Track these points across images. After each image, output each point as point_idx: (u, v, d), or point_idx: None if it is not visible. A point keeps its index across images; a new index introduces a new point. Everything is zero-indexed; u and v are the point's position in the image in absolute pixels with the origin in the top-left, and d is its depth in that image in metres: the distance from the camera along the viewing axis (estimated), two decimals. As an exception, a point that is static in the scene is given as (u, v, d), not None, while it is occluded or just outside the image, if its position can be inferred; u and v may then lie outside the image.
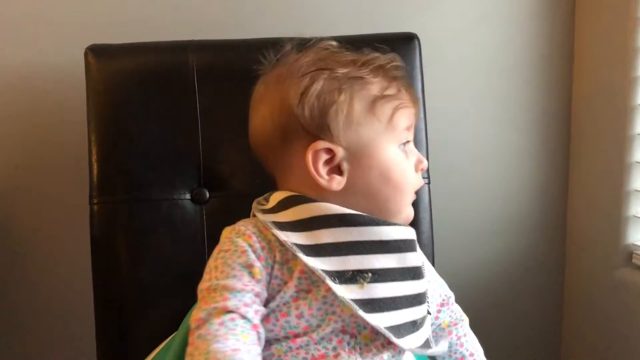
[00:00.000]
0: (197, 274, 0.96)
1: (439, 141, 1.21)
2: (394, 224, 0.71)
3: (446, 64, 1.24)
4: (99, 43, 1.00)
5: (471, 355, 0.84)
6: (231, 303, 0.64)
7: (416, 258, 0.72)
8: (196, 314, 0.65)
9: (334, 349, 0.68)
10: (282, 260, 0.68)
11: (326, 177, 0.70)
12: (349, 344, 0.68)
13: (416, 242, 0.73)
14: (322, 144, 0.70)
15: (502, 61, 1.27)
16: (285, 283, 0.68)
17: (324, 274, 0.67)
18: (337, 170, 0.71)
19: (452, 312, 0.83)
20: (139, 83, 0.98)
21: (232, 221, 0.98)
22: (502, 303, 1.34)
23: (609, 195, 1.20)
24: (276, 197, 0.73)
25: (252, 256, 0.67)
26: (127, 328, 0.96)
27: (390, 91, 0.72)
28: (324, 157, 0.70)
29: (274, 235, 0.68)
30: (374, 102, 0.71)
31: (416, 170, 0.74)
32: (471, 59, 1.26)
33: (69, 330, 1.21)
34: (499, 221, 1.31)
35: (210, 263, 0.70)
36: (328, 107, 0.70)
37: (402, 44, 1.05)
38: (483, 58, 1.26)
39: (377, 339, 0.69)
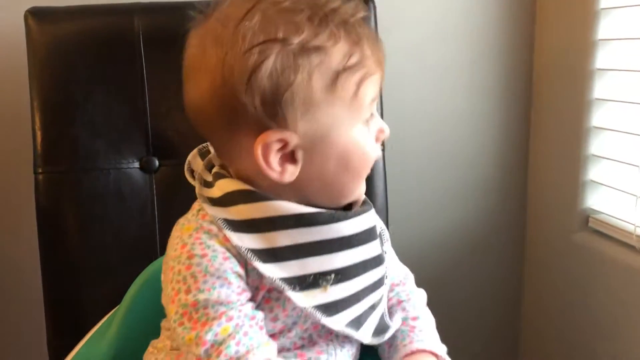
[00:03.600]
0: (146, 244, 0.96)
1: (395, 106, 1.19)
2: (354, 216, 0.64)
3: (403, 27, 1.22)
4: (39, 5, 0.95)
5: (414, 319, 0.74)
6: (234, 314, 0.58)
7: (377, 245, 0.66)
8: (194, 335, 0.58)
9: (310, 337, 0.65)
10: (251, 266, 0.61)
11: (278, 168, 0.60)
12: (323, 327, 0.65)
13: (376, 226, 0.67)
14: (273, 135, 0.59)
15: (462, 24, 1.25)
16: (257, 288, 0.62)
17: (282, 283, 0.60)
18: (291, 157, 0.61)
19: (405, 291, 0.77)
20: (83, 47, 0.95)
21: (182, 190, 0.98)
22: (462, 269, 1.35)
23: (568, 160, 1.20)
24: (223, 186, 0.63)
25: (235, 262, 0.60)
26: (75, 299, 0.95)
27: (354, 59, 0.60)
28: (276, 146, 0.60)
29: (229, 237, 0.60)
30: (335, 78, 0.59)
31: (376, 140, 0.65)
32: (430, 22, 1.24)
33: (16, 303, 1.19)
34: (458, 186, 1.31)
35: (180, 268, 0.60)
36: (282, 91, 0.58)
37: (357, 7, 1.02)
38: (443, 21, 1.24)
39: None
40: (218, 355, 0.56)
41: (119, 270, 0.94)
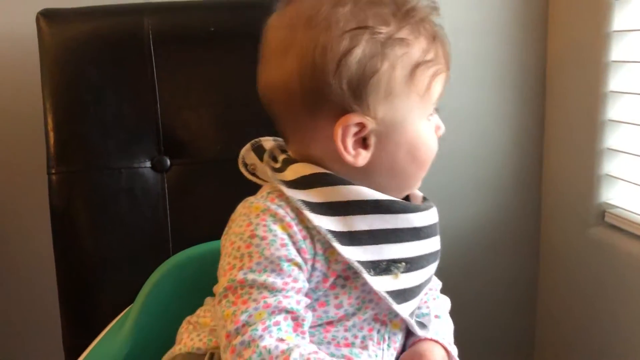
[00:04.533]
0: (158, 243, 0.96)
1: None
2: (424, 209, 0.67)
3: None
4: (50, 7, 0.96)
5: (435, 317, 0.76)
6: (273, 303, 0.59)
7: (438, 241, 0.69)
8: (232, 312, 0.59)
9: (363, 338, 0.66)
10: (322, 251, 0.63)
11: (353, 152, 0.63)
12: (379, 332, 0.67)
13: (438, 223, 0.69)
14: (354, 118, 0.61)
15: (473, 16, 1.24)
16: (325, 275, 0.63)
17: (360, 266, 0.62)
18: (363, 143, 0.63)
19: (433, 295, 0.78)
20: (94, 48, 0.95)
21: (193, 189, 0.98)
22: (475, 265, 1.33)
23: (583, 154, 1.19)
24: (298, 169, 0.65)
25: (293, 250, 0.61)
26: (90, 298, 0.95)
27: (431, 55, 0.64)
28: (354, 129, 0.62)
29: (308, 218, 0.62)
30: (414, 70, 0.63)
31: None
32: (443, 15, 1.23)
33: (31, 302, 1.20)
34: (471, 181, 1.30)
35: (240, 245, 0.62)
36: (369, 77, 0.61)
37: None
38: (455, 15, 1.23)
39: (405, 326, 0.68)
40: (244, 334, 0.57)
41: (132, 268, 0.94)
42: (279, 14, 0.65)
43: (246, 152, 0.72)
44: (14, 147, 1.14)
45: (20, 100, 1.10)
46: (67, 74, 0.95)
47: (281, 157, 0.68)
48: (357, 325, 0.66)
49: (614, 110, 1.13)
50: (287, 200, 0.63)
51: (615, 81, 1.12)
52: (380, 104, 0.62)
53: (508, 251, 1.34)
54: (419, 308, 0.73)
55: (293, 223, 0.62)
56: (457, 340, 0.74)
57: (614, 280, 1.14)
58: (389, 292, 0.64)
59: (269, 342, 0.57)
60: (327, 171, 0.64)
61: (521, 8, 1.24)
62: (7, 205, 1.16)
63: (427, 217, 0.67)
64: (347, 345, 0.65)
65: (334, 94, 0.61)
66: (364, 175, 0.64)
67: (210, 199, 0.97)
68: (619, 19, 1.09)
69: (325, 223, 0.62)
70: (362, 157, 0.63)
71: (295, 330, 0.59)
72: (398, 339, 0.69)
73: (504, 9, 1.24)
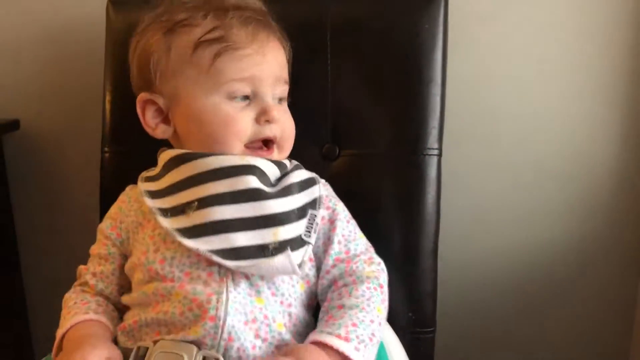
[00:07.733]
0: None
1: (490, 108, 1.10)
2: (222, 153, 0.73)
3: (508, 12, 1.08)
4: (119, -4, 1.02)
5: (339, 307, 0.71)
6: (86, 268, 0.79)
7: (250, 181, 0.71)
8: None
9: (205, 282, 0.69)
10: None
11: (152, 126, 0.77)
12: (219, 272, 0.70)
13: (255, 169, 0.72)
14: (145, 96, 0.76)
15: (583, 11, 1.07)
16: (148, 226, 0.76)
17: (155, 209, 0.72)
18: (166, 118, 0.77)
19: (350, 273, 0.74)
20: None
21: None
22: (555, 302, 1.18)
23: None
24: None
25: (107, 223, 0.80)
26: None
27: (215, 33, 0.72)
28: (152, 107, 0.77)
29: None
30: (192, 48, 0.72)
31: (259, 121, 0.74)
32: (542, 5, 1.08)
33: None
34: (563, 202, 1.15)
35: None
36: (148, 58, 0.74)
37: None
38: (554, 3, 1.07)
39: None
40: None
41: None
42: None
43: None
44: (75, 122, 1.21)
45: (85, 82, 1.17)
46: (126, 58, 0.99)
47: None
48: (195, 279, 0.69)
49: None
50: None
51: None
52: (164, 82, 0.74)
53: (595, 291, 1.17)
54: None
55: (125, 196, 0.82)
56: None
57: None
58: (178, 229, 0.70)
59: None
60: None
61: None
62: (64, 178, 1.24)
63: (227, 159, 0.72)
64: (181, 287, 0.69)
65: (134, 77, 0.79)
66: (192, 146, 0.76)
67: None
68: None
69: (147, 186, 0.76)
70: (161, 131, 0.78)
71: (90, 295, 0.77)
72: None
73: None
